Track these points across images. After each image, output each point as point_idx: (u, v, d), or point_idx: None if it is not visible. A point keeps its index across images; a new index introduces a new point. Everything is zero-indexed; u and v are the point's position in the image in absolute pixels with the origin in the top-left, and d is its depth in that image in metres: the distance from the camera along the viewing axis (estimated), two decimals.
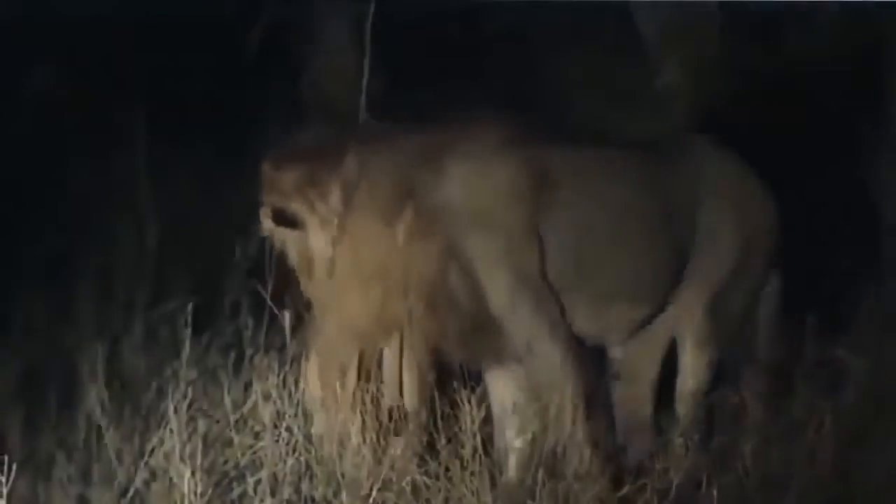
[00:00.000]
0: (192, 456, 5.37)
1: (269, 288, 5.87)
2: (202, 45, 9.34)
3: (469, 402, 5.50)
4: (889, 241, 8.14)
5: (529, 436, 5.63)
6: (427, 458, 5.53)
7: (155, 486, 5.47)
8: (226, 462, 5.62)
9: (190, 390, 5.62)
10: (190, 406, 5.59)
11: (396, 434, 5.53)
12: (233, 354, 5.84)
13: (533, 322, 5.69)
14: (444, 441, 5.49)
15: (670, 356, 6.09)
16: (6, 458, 5.00)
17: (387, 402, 5.58)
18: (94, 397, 5.83)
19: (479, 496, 5.42)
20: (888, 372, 6.68)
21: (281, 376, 5.63)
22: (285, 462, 5.51)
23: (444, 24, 10.05)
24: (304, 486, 5.49)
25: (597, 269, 5.79)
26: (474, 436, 5.48)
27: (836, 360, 6.45)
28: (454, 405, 5.56)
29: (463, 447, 5.48)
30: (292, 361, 5.67)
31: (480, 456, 5.47)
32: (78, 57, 9.32)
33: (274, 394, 5.60)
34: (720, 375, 6.09)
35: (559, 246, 5.72)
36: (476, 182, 5.64)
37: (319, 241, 5.58)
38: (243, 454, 5.60)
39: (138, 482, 5.49)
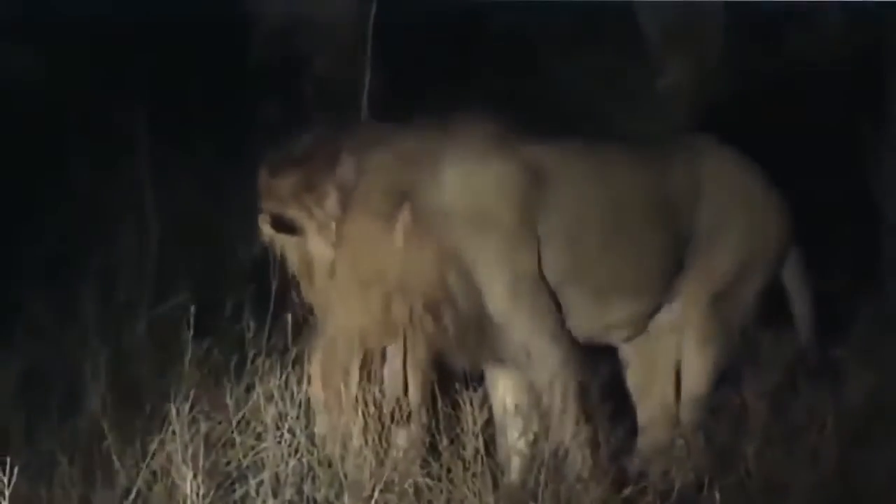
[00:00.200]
0: (195, 457, 5.37)
1: (273, 289, 5.87)
2: (204, 45, 9.34)
3: (471, 403, 5.50)
4: (889, 241, 8.14)
5: (531, 437, 5.63)
6: (429, 459, 5.54)
7: (157, 488, 5.47)
8: (228, 463, 5.63)
9: (192, 392, 5.62)
10: (192, 408, 5.58)
11: (398, 426, 5.53)
12: (235, 356, 5.83)
13: (532, 323, 5.68)
14: (446, 442, 5.49)
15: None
16: (8, 460, 5.00)
17: (389, 399, 5.58)
18: (96, 399, 5.84)
19: (481, 498, 5.42)
20: (889, 373, 6.69)
21: (283, 378, 5.63)
22: (287, 463, 5.51)
23: (446, 25, 10.05)
24: (307, 488, 5.49)
25: (595, 264, 5.78)
26: (476, 437, 5.49)
27: (838, 361, 6.45)
28: (456, 406, 5.56)
29: (465, 448, 5.48)
30: (294, 363, 5.67)
31: (482, 457, 5.48)
32: (79, 58, 9.31)
33: (276, 395, 5.61)
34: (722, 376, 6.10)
35: (556, 243, 5.71)
36: (471, 182, 5.64)
37: (318, 245, 5.59)
38: (245, 455, 5.61)
39: (140, 484, 5.48)
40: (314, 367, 5.57)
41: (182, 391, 5.61)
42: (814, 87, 9.47)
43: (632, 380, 6.07)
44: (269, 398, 5.62)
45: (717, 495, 5.50)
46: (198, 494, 5.29)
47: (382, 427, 5.54)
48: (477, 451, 5.47)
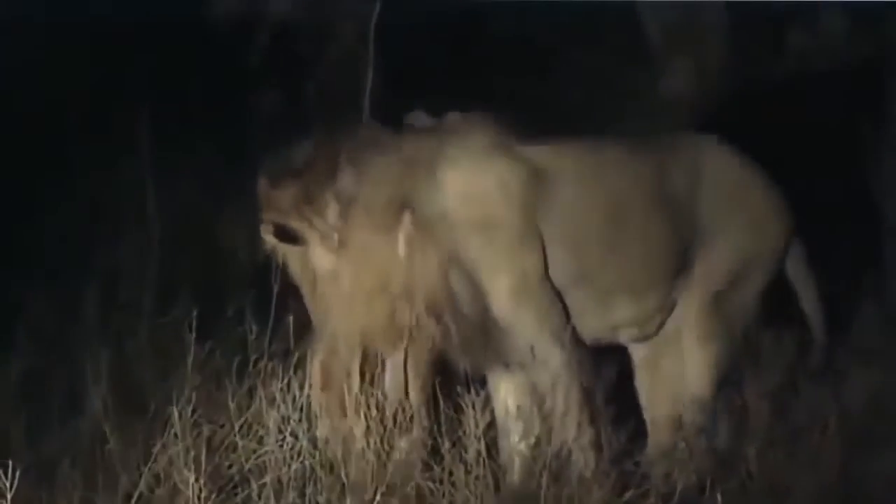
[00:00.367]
0: (197, 461, 5.38)
1: (275, 293, 5.86)
2: (206, 48, 9.33)
3: (473, 406, 5.51)
4: (890, 241, 8.14)
5: (533, 440, 5.63)
6: (431, 462, 5.53)
7: (159, 492, 5.47)
8: (230, 467, 5.62)
9: (194, 395, 5.62)
10: (194, 411, 5.58)
11: (401, 433, 5.54)
12: (237, 359, 5.83)
13: (536, 324, 5.69)
14: (448, 445, 5.49)
15: None
16: (10, 462, 5.00)
17: (391, 402, 5.58)
18: (99, 402, 5.83)
19: (482, 500, 5.42)
20: (891, 373, 6.69)
21: (285, 381, 5.63)
22: (290, 467, 5.51)
23: (448, 26, 10.04)
24: (309, 491, 5.49)
25: (599, 263, 5.79)
26: (478, 440, 5.49)
27: (839, 361, 6.45)
28: (458, 409, 5.56)
29: (467, 452, 5.48)
30: (297, 366, 5.67)
31: (484, 460, 5.48)
32: (80, 59, 9.30)
33: (278, 398, 5.60)
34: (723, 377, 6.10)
35: (560, 243, 5.72)
36: (470, 185, 5.64)
37: (321, 255, 5.59)
38: (248, 459, 5.61)
39: (142, 487, 5.48)
40: (314, 372, 5.58)
41: (184, 394, 5.61)
42: (815, 87, 9.46)
43: (641, 384, 6.07)
44: (272, 401, 5.61)
45: (719, 498, 5.49)
46: (200, 498, 5.29)
47: (384, 430, 5.55)
48: (479, 454, 5.47)
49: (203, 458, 5.38)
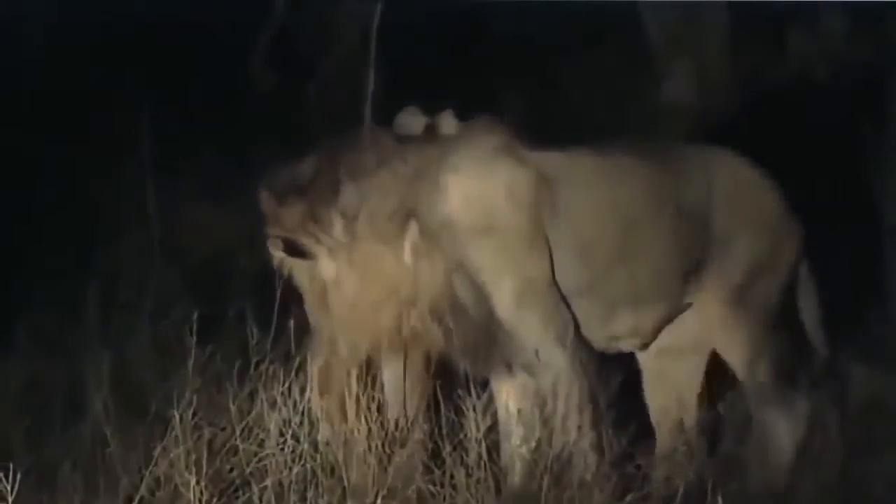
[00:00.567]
0: (198, 464, 5.38)
1: (277, 296, 5.86)
2: (207, 48, 9.34)
3: (474, 409, 5.51)
4: (890, 242, 8.14)
5: (534, 444, 5.63)
6: (432, 465, 5.53)
7: (160, 495, 5.47)
8: (231, 470, 5.62)
9: (195, 398, 5.61)
10: (195, 414, 5.58)
11: (402, 445, 5.54)
12: (238, 362, 5.83)
13: (540, 328, 5.69)
14: (449, 449, 5.49)
15: None
16: (11, 466, 5.00)
17: (392, 413, 5.60)
18: (100, 405, 5.83)
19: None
20: (892, 376, 6.69)
21: (286, 384, 5.63)
22: (291, 470, 5.51)
23: (449, 28, 10.06)
24: (310, 495, 5.49)
25: (606, 272, 5.78)
26: (479, 443, 5.49)
27: (840, 366, 6.45)
28: (459, 413, 5.56)
29: (468, 455, 5.48)
30: (298, 370, 5.67)
31: (485, 463, 5.48)
32: (80, 59, 9.31)
33: (279, 402, 5.60)
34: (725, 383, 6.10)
35: (567, 250, 5.71)
36: (472, 190, 5.65)
37: (329, 268, 5.61)
38: (249, 462, 5.60)
39: (143, 491, 5.48)
40: (313, 377, 5.59)
41: (185, 397, 5.60)
42: (816, 88, 9.48)
43: (649, 389, 6.07)
44: (273, 405, 5.61)
45: (720, 501, 5.49)
46: (200, 501, 5.30)
47: (385, 434, 5.55)
48: (480, 457, 5.47)
49: (204, 461, 5.38)
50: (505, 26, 10.63)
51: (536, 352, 5.65)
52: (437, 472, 5.49)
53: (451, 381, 5.68)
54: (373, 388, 5.60)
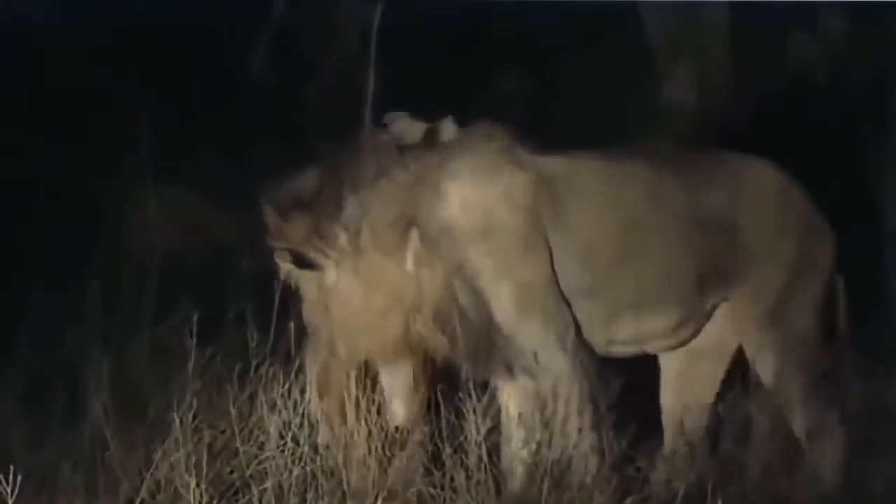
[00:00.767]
0: (198, 466, 5.38)
1: (276, 298, 5.86)
2: (208, 51, 9.34)
3: (474, 412, 5.51)
4: (891, 243, 8.14)
5: (534, 446, 5.63)
6: (432, 468, 5.53)
7: (160, 497, 5.47)
8: (231, 472, 5.62)
9: (195, 401, 5.61)
10: (195, 417, 5.58)
11: (402, 448, 5.54)
12: (238, 365, 5.83)
13: (540, 330, 5.69)
14: (449, 451, 5.49)
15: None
16: (11, 468, 5.00)
17: (393, 419, 5.60)
18: (100, 408, 5.83)
19: None
20: (891, 376, 6.69)
21: (286, 387, 5.63)
22: (291, 472, 5.51)
23: (449, 28, 10.06)
24: (310, 497, 5.49)
25: (609, 274, 5.77)
26: (479, 446, 5.49)
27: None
28: (459, 415, 5.56)
29: (468, 457, 5.48)
30: (298, 372, 5.67)
31: (486, 466, 5.48)
32: (80, 59, 9.30)
33: (279, 404, 5.60)
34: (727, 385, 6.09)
35: (570, 253, 5.71)
36: (471, 195, 5.65)
37: (335, 277, 5.62)
38: (249, 464, 5.60)
39: (143, 493, 5.48)
40: (312, 380, 5.59)
41: (185, 400, 5.60)
42: (816, 88, 9.48)
43: (664, 395, 6.07)
44: (273, 407, 5.61)
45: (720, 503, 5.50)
46: (201, 503, 5.29)
47: (385, 436, 5.55)
48: (480, 459, 5.47)
49: (204, 463, 5.38)
50: (505, 26, 10.63)
51: (535, 355, 5.65)
52: (438, 475, 5.50)
53: (451, 384, 5.68)
54: (372, 390, 5.60)
